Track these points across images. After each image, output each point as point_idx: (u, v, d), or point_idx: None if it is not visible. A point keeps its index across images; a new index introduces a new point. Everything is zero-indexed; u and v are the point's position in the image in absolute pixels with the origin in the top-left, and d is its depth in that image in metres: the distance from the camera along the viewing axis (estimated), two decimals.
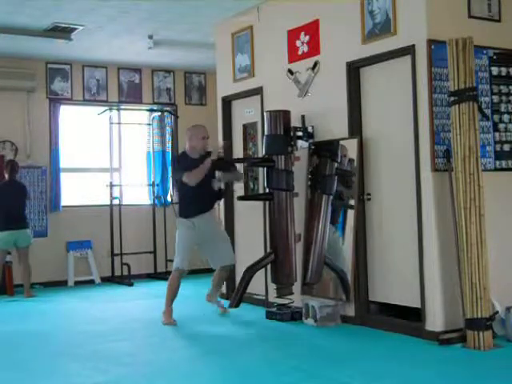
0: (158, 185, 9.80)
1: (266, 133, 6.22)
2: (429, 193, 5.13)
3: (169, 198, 9.83)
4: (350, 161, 5.80)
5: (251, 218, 7.11)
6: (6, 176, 8.10)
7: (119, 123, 9.73)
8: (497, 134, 5.43)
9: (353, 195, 5.76)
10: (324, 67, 6.13)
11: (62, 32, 7.76)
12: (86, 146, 9.57)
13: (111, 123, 9.56)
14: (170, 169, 9.91)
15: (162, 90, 10.00)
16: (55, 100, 9.21)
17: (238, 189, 7.25)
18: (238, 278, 6.48)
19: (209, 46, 8.06)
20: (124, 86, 9.72)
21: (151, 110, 9.87)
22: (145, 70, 9.85)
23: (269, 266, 6.21)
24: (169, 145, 9.95)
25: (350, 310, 5.78)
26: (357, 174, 5.73)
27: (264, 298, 6.80)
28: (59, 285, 8.95)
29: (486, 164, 5.29)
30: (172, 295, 6.09)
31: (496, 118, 5.44)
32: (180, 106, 10.10)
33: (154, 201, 9.71)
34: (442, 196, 5.13)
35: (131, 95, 9.77)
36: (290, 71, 6.49)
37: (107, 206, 9.26)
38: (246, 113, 7.32)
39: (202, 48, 8.51)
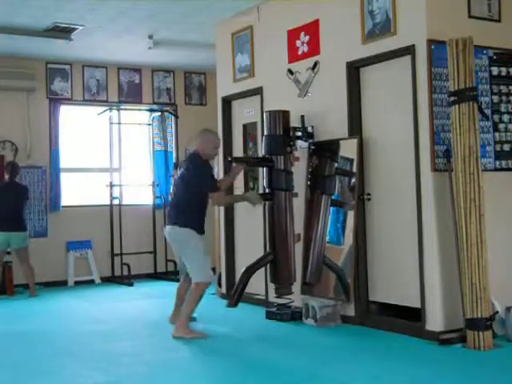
0: (157, 185, 9.80)
1: (265, 133, 6.22)
2: (429, 193, 5.13)
3: (169, 199, 9.83)
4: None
5: (251, 218, 7.11)
6: (6, 177, 8.09)
7: (119, 123, 9.73)
8: (497, 134, 5.43)
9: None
10: (324, 67, 6.13)
11: (62, 32, 7.76)
12: (86, 146, 9.57)
13: (111, 123, 9.56)
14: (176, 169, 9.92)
15: (162, 90, 10.00)
16: (55, 100, 9.20)
17: (237, 190, 7.26)
18: (237, 278, 6.47)
19: (209, 46, 8.06)
20: (124, 86, 9.72)
21: (151, 110, 9.87)
22: (145, 70, 9.84)
23: (268, 266, 6.20)
24: (171, 145, 9.96)
25: (350, 310, 5.78)
26: (357, 174, 5.73)
27: (264, 297, 6.80)
28: (59, 285, 8.94)
29: (486, 164, 5.29)
30: (191, 312, 5.61)
31: (496, 118, 5.44)
32: (180, 106, 10.10)
33: (154, 201, 9.70)
34: (442, 196, 5.13)
35: (131, 95, 9.77)
36: (290, 71, 6.49)
37: (107, 206, 9.26)
38: (246, 113, 7.33)
39: (202, 48, 8.50)
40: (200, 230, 5.57)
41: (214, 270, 7.42)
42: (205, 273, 5.51)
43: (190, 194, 5.52)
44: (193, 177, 5.51)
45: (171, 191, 5.78)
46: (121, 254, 9.20)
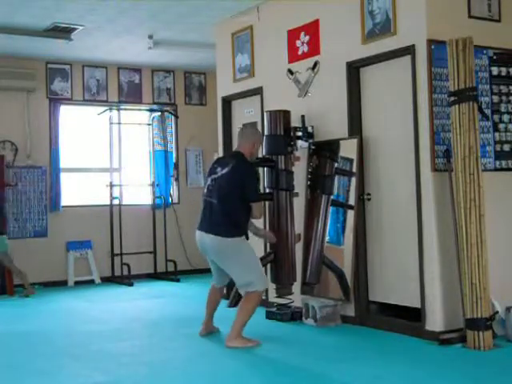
0: (157, 185, 9.80)
1: (266, 133, 6.23)
2: (429, 193, 5.14)
3: (169, 199, 9.84)
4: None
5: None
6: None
7: (119, 123, 9.73)
8: (497, 134, 5.43)
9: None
10: (324, 67, 6.13)
11: (62, 32, 7.76)
12: (86, 146, 9.57)
13: (111, 123, 9.57)
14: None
15: (162, 89, 10.00)
16: (55, 100, 9.21)
17: None
18: None
19: (209, 46, 8.06)
20: (124, 86, 9.72)
21: (151, 110, 9.87)
22: (145, 70, 9.85)
23: (269, 266, 6.20)
24: (171, 145, 9.96)
25: (350, 310, 5.78)
26: (357, 174, 5.73)
27: (264, 297, 6.79)
28: (59, 285, 8.95)
29: (486, 164, 5.30)
30: (247, 321, 5.15)
31: (496, 118, 5.44)
32: (180, 106, 10.10)
33: (153, 201, 9.70)
34: (442, 196, 5.14)
35: (131, 95, 9.77)
36: (290, 71, 6.49)
37: (107, 206, 9.26)
38: (245, 113, 7.33)
39: (201, 48, 8.51)
40: (247, 236, 5.24)
41: None
42: (264, 279, 5.24)
43: (240, 199, 5.07)
44: (245, 182, 5.07)
45: (205, 193, 5.25)
46: (121, 254, 9.19)
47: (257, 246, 6.78)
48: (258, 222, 6.88)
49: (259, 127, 6.96)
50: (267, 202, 6.21)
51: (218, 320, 5.64)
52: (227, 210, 5.06)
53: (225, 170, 5.13)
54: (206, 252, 5.25)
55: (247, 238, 5.22)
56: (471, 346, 4.78)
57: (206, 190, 5.28)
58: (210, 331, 5.54)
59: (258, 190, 5.34)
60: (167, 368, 4.57)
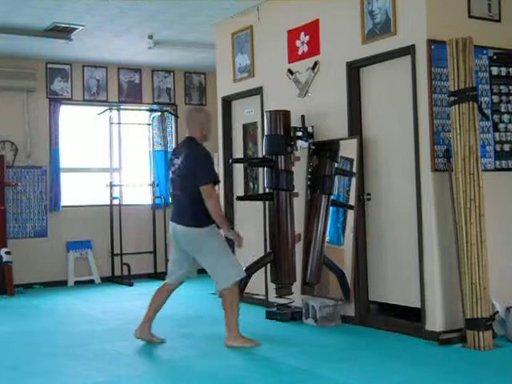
0: (157, 185, 9.79)
1: (266, 133, 6.23)
2: (429, 193, 5.14)
3: (170, 199, 9.84)
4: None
5: (251, 218, 7.10)
6: None
7: (119, 123, 9.73)
8: (497, 134, 5.43)
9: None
10: (324, 67, 6.13)
11: (61, 32, 7.76)
12: (86, 146, 9.57)
13: (111, 123, 9.57)
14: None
15: (162, 89, 10.00)
16: (55, 100, 9.20)
17: (239, 189, 7.26)
18: None
19: (209, 46, 8.07)
20: (124, 86, 9.72)
21: (151, 110, 9.87)
22: (145, 70, 9.85)
23: (269, 266, 6.21)
24: (171, 145, 9.96)
25: (350, 310, 5.78)
26: (357, 174, 5.73)
27: (264, 297, 6.80)
28: (59, 285, 8.95)
29: (486, 164, 5.30)
30: (237, 316, 5.08)
31: (496, 118, 5.44)
32: (180, 106, 10.09)
33: (153, 201, 9.69)
34: (442, 196, 5.14)
35: (131, 95, 9.77)
36: (290, 71, 6.49)
37: (107, 206, 9.27)
38: (246, 113, 7.33)
39: (201, 48, 8.51)
40: (216, 224, 5.07)
41: None
42: (240, 267, 5.12)
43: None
44: (197, 167, 4.96)
45: (171, 187, 5.25)
46: (121, 254, 9.20)
47: (257, 246, 6.80)
48: (259, 221, 6.88)
49: (259, 127, 6.97)
50: (267, 202, 6.22)
51: (217, 320, 5.64)
52: (191, 199, 4.99)
53: (179, 160, 5.09)
54: (179, 243, 5.17)
55: (218, 227, 5.12)
56: (471, 346, 4.78)
57: (170, 184, 5.26)
58: (148, 339, 5.26)
59: (211, 173, 5.04)
60: (167, 368, 4.57)
